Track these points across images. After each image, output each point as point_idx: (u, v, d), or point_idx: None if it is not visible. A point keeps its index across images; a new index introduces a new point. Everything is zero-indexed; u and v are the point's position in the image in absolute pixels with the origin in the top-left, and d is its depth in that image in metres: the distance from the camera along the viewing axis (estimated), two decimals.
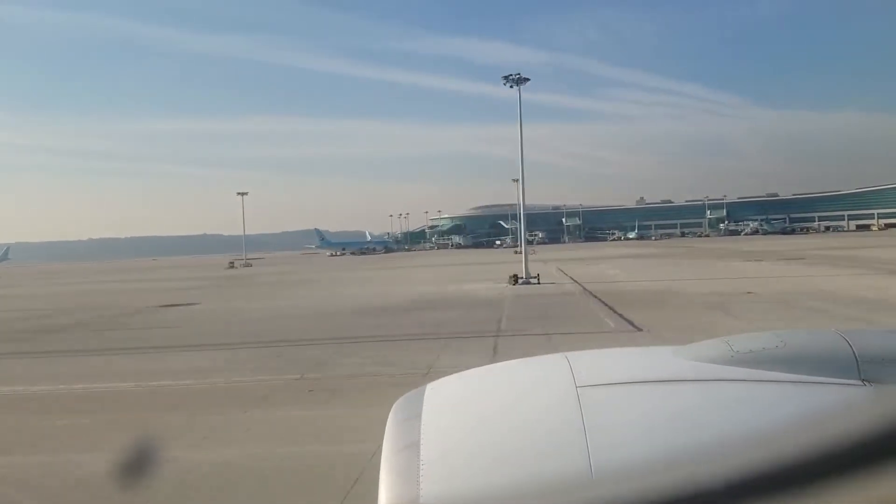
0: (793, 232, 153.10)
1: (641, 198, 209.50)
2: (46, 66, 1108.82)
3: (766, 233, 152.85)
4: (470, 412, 1.92)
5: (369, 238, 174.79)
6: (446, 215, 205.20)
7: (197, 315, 29.98)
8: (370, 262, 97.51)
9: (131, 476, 7.14)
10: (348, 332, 20.81)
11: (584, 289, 32.59)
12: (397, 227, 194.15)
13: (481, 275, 49.21)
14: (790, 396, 1.74)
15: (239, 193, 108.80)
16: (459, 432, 1.81)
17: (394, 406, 1.98)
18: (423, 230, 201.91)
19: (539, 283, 36.46)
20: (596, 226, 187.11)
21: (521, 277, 37.71)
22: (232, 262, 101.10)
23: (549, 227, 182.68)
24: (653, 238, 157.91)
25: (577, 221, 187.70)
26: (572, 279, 39.51)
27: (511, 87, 41.71)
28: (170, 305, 35.43)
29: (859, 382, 1.72)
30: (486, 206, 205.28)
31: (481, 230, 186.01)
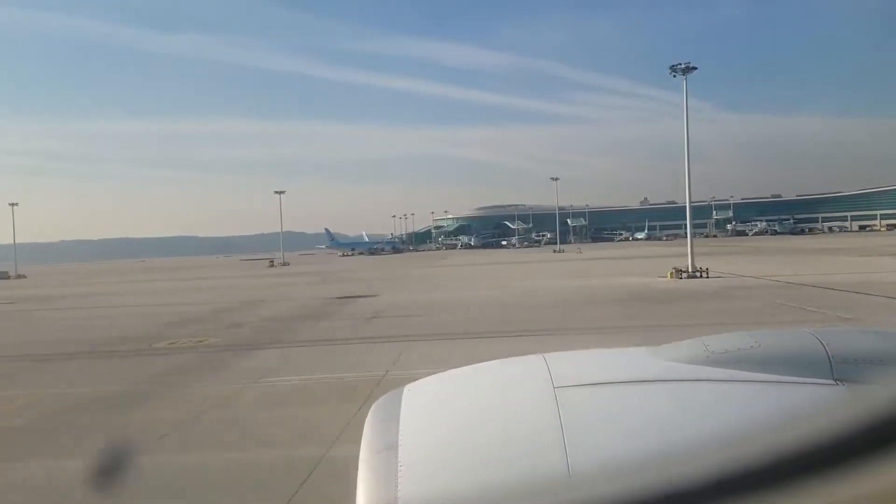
0: (801, 232, 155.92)
1: (645, 198, 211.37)
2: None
3: (775, 233, 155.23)
4: (448, 413, 1.94)
5: (366, 239, 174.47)
6: (450, 216, 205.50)
7: (410, 304, 30.18)
8: (411, 261, 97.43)
9: None
10: (636, 321, 20.96)
11: (787, 283, 31.29)
12: (400, 229, 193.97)
13: (595, 270, 49.89)
14: (765, 396, 1.76)
15: (276, 192, 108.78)
16: (438, 433, 1.82)
17: (372, 407, 1.99)
18: (430, 230, 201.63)
19: (708, 277, 36.56)
20: (601, 226, 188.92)
21: (685, 271, 37.84)
22: (272, 262, 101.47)
23: (554, 227, 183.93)
24: (664, 238, 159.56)
25: (583, 222, 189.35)
26: (735, 274, 38.26)
27: (675, 76, 41.88)
28: (352, 297, 35.56)
29: (832, 382, 1.75)
30: (491, 207, 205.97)
31: (485, 231, 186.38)
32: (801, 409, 1.29)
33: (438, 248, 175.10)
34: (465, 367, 2.22)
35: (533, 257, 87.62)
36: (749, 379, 1.80)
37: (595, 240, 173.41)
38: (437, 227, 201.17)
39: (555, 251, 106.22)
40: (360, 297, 35.64)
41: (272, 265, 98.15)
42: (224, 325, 25.73)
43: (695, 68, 41.85)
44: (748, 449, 1.18)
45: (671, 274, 37.87)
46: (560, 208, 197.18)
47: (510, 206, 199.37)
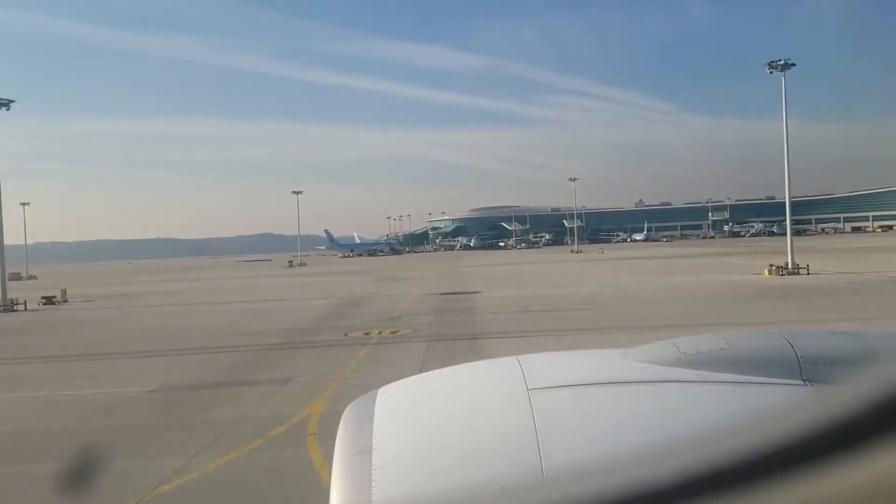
0: (799, 234, 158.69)
1: (640, 200, 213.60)
2: None
3: (772, 234, 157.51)
4: (422, 416, 1.93)
5: (358, 240, 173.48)
6: (447, 217, 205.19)
7: (539, 300, 29.98)
8: (425, 261, 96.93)
9: None
10: (817, 315, 21.19)
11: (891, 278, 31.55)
12: (379, 231, 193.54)
13: (656, 269, 50.06)
14: (735, 396, 1.76)
15: (294, 192, 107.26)
16: (411, 436, 1.81)
17: (345, 411, 1.98)
18: (426, 232, 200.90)
19: (809, 274, 36.93)
20: (597, 228, 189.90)
21: (784, 268, 38.03)
22: (291, 262, 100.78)
23: (550, 228, 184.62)
24: (664, 240, 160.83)
25: (580, 223, 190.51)
26: (830, 271, 38.41)
27: (771, 72, 41.92)
28: (456, 293, 35.12)
29: (801, 382, 1.77)
30: (487, 209, 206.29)
31: (483, 232, 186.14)
32: (771, 409, 1.30)
33: (436, 250, 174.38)
34: (438, 370, 2.22)
35: (558, 257, 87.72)
36: (720, 380, 1.81)
37: (592, 241, 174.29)
38: (434, 229, 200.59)
39: (572, 251, 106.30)
40: (463, 293, 35.25)
41: (291, 265, 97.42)
42: (380, 319, 25.25)
43: (793, 64, 41.91)
44: (720, 449, 1.16)
45: (769, 270, 38.07)
46: (555, 209, 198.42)
47: (506, 207, 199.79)
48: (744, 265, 46.83)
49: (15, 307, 39.83)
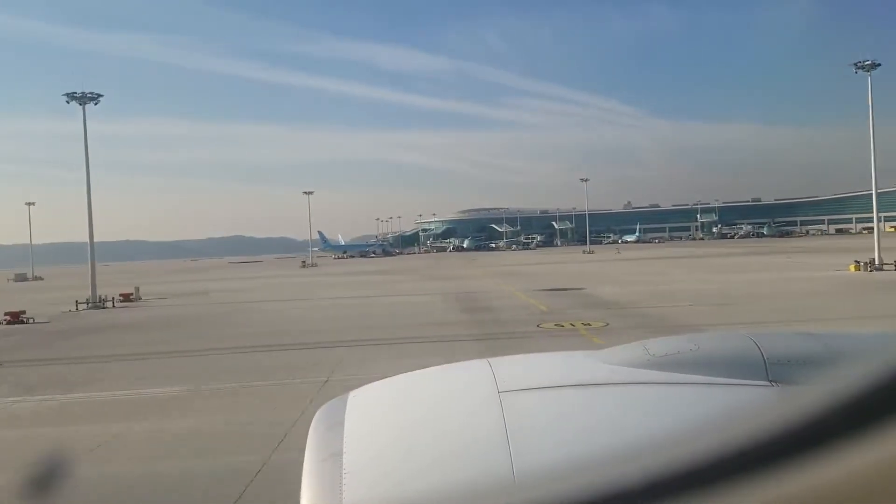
0: (785, 235, 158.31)
1: (628, 202, 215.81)
2: None
3: (760, 236, 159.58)
4: (393, 419, 1.93)
5: (342, 242, 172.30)
6: (436, 218, 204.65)
7: (683, 296, 29.85)
8: (437, 261, 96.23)
9: None
10: None
11: None
12: (382, 231, 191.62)
13: (712, 267, 50.32)
14: (703, 397, 1.79)
15: (305, 193, 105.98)
16: (382, 440, 1.81)
17: (316, 414, 1.98)
18: (416, 233, 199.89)
19: None
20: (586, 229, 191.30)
21: (871, 263, 38.01)
22: (304, 262, 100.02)
23: (539, 230, 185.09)
24: (657, 241, 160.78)
25: (570, 225, 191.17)
26: None
27: (857, 72, 41.44)
28: (563, 290, 34.96)
29: (767, 383, 1.80)
30: (475, 210, 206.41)
31: (474, 234, 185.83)
32: (739, 409, 1.25)
33: (427, 251, 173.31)
34: (409, 373, 2.22)
35: (579, 258, 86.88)
36: (688, 381, 1.84)
37: (581, 242, 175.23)
38: (425, 230, 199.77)
39: (584, 252, 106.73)
40: (573, 289, 35.13)
41: (304, 266, 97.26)
42: (534, 313, 24.89)
43: (879, 64, 41.81)
44: (689, 449, 1.18)
45: (855, 266, 38.54)
46: (543, 211, 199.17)
47: (494, 209, 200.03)
48: (807, 263, 47.39)
49: (104, 304, 38.85)
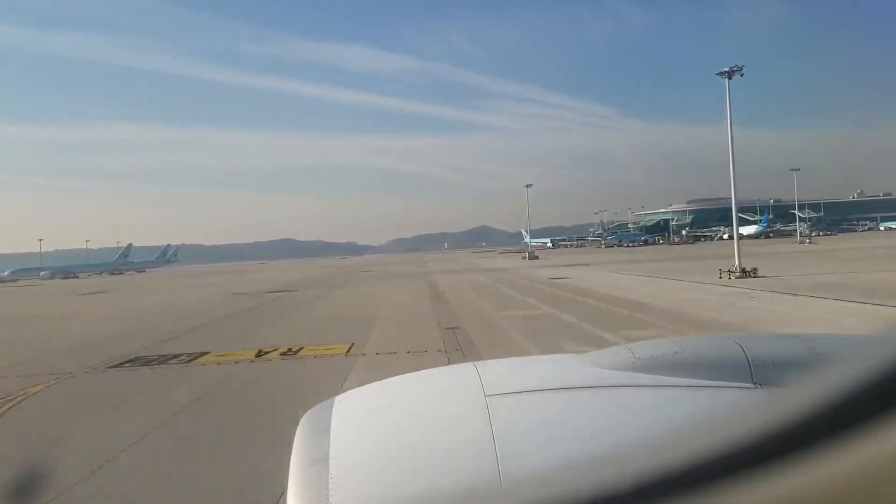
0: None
1: (860, 191, 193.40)
2: None
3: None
4: (379, 424, 1.92)
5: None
6: (675, 209, 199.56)
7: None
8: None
9: None
10: None
11: None
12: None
13: None
14: (689, 400, 1.79)
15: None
16: (369, 445, 1.80)
17: (301, 419, 1.95)
18: (659, 222, 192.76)
19: None
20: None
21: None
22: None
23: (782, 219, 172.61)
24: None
25: (814, 214, 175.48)
26: None
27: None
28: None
29: (752, 385, 1.81)
30: (704, 200, 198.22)
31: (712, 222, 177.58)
32: (724, 411, 1.24)
33: (683, 241, 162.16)
34: (396, 377, 2.22)
35: None
36: (674, 384, 1.86)
37: (827, 230, 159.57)
38: (670, 220, 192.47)
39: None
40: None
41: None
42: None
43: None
44: (674, 452, 1.17)
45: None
46: (777, 200, 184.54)
47: (724, 198, 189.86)
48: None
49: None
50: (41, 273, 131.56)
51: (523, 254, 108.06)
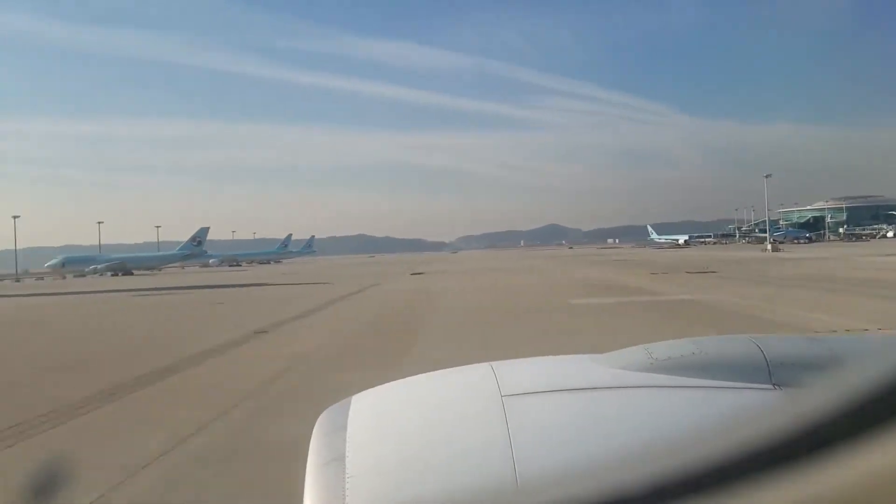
0: None
1: None
2: None
3: None
4: (395, 424, 1.90)
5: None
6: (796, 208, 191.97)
7: None
8: None
9: None
10: None
11: None
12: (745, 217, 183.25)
13: None
14: (707, 401, 1.77)
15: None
16: (385, 444, 1.78)
17: (318, 419, 1.94)
18: (812, 219, 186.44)
19: None
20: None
21: None
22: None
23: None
24: None
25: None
26: None
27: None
28: None
29: (770, 386, 1.78)
30: (851, 198, 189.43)
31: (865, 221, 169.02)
32: (742, 413, 1.24)
33: (841, 238, 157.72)
34: (412, 377, 2.19)
35: None
36: (692, 385, 1.81)
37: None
38: (823, 217, 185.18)
39: None
40: None
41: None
42: None
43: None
44: (692, 453, 1.15)
45: None
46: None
47: (872, 196, 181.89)
48: None
49: None
50: (210, 261, 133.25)
51: (762, 246, 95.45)
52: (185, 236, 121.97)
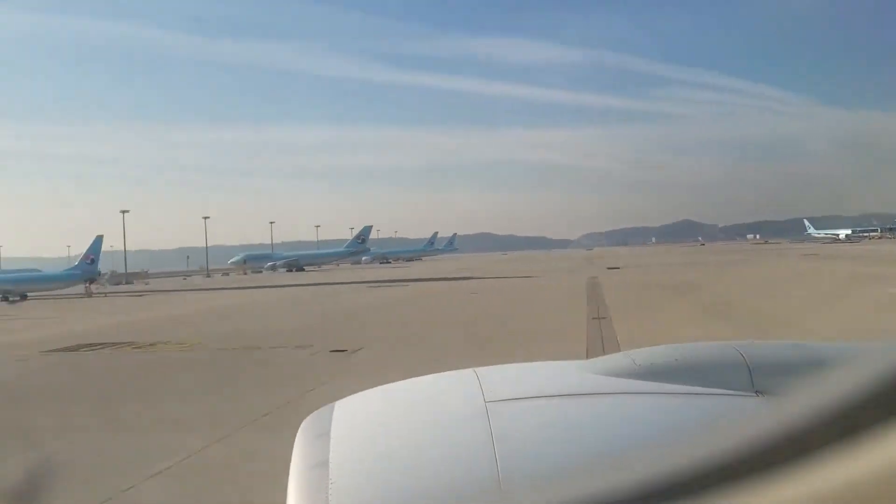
0: None
1: None
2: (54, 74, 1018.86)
3: None
4: (379, 429, 1.91)
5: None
6: None
7: None
8: None
9: None
10: None
11: None
12: None
13: None
14: (689, 407, 1.79)
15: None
16: (369, 450, 1.80)
17: (302, 424, 1.94)
18: None
19: None
20: None
21: None
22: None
23: None
24: None
25: None
26: None
27: None
28: None
29: (752, 393, 1.81)
30: None
31: None
32: (725, 419, 1.32)
33: None
34: (397, 383, 2.20)
35: None
36: (675, 391, 1.84)
37: None
38: None
39: None
40: None
41: None
42: None
43: None
44: (675, 460, 1.18)
45: None
46: None
47: None
48: None
49: None
50: (363, 258, 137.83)
51: None
52: (335, 236, 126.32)
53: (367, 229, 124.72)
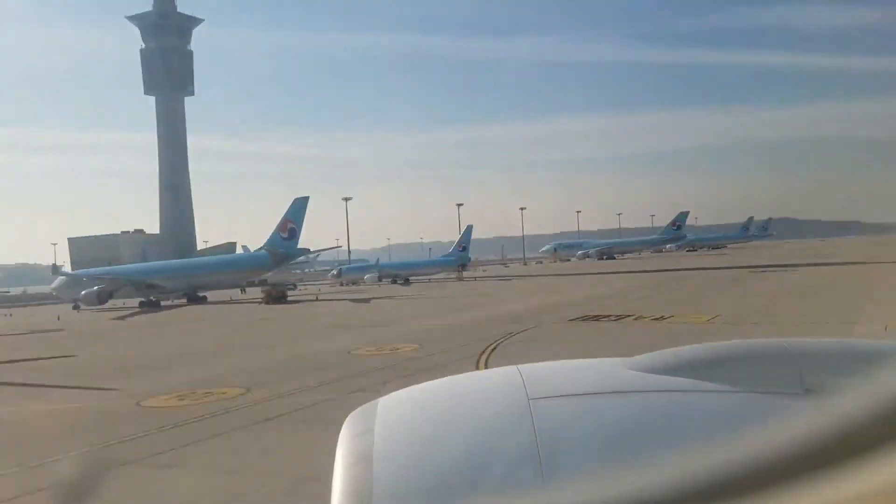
0: None
1: None
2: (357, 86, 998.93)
3: None
4: (423, 426, 1.93)
5: None
6: None
7: None
8: None
9: None
10: None
11: None
12: None
13: None
14: (736, 406, 1.76)
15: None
16: (412, 446, 1.81)
17: (346, 420, 1.97)
18: None
19: None
20: None
21: None
22: None
23: None
24: None
25: None
26: None
27: None
28: None
29: (801, 392, 1.76)
30: None
31: None
32: (772, 418, 1.28)
33: None
34: (440, 380, 2.22)
35: None
36: (720, 389, 1.81)
37: None
38: None
39: None
40: None
41: None
42: None
43: None
44: (720, 459, 1.17)
45: None
46: None
47: None
48: None
49: None
50: (666, 246, 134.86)
51: None
52: (635, 224, 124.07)
53: (684, 216, 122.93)
